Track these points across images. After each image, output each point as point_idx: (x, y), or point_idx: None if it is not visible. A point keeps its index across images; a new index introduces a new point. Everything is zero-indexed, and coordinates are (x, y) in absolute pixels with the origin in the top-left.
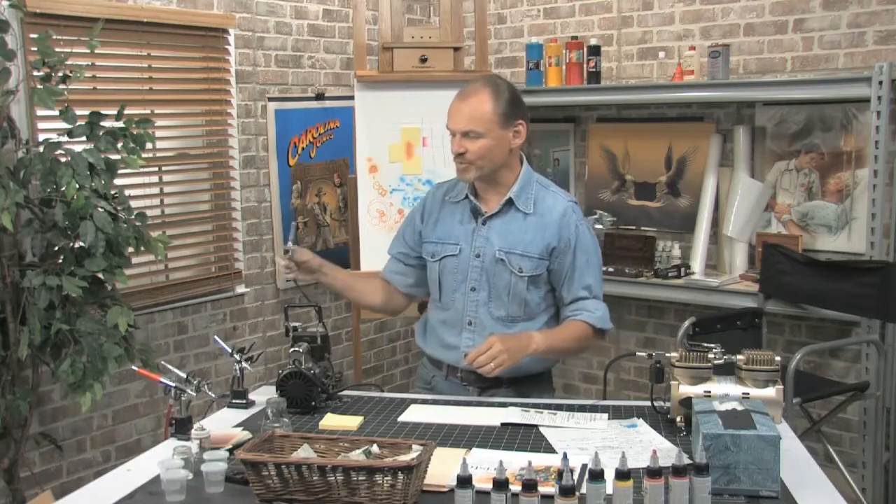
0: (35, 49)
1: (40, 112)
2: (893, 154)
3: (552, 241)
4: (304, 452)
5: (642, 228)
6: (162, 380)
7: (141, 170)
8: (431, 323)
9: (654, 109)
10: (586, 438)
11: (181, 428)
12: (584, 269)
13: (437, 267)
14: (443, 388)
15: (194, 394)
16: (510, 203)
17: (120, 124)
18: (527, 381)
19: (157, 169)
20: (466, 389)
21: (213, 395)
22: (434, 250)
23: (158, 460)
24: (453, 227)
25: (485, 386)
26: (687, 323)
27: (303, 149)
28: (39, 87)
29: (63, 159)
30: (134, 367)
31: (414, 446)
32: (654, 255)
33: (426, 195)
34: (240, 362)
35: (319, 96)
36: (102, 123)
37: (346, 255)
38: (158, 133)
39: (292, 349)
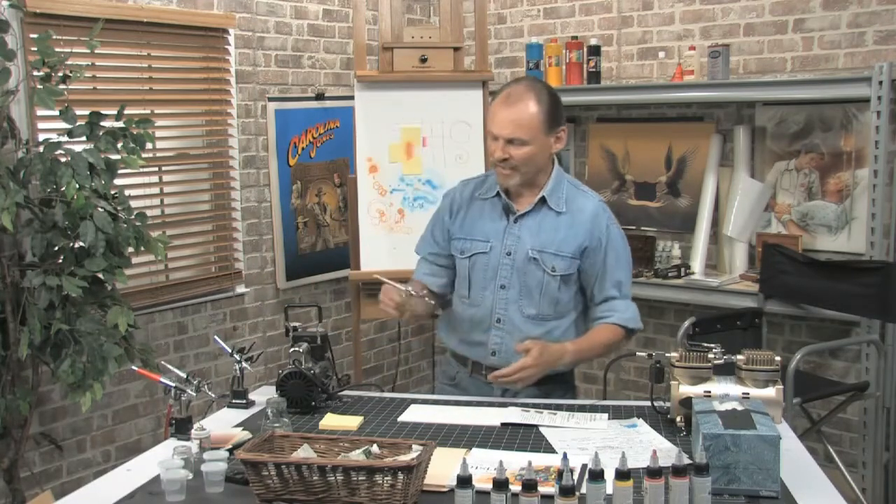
0: (35, 49)
1: (40, 112)
2: (893, 154)
3: (584, 240)
4: (304, 452)
5: (642, 228)
6: (162, 380)
7: (141, 170)
8: (457, 318)
9: (654, 109)
10: (586, 438)
11: (181, 428)
12: (615, 267)
13: (466, 263)
14: (468, 385)
15: (194, 394)
16: (542, 202)
17: (120, 124)
18: (550, 381)
19: (157, 169)
20: (491, 388)
21: (213, 395)
22: (463, 247)
23: (158, 460)
24: (483, 224)
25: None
26: (687, 323)
27: (303, 149)
28: (39, 87)
29: (63, 159)
30: (134, 367)
31: (414, 446)
32: (654, 255)
33: (453, 192)
34: (240, 362)
35: (319, 96)
36: (102, 123)
37: (345, 256)
38: (158, 133)
39: (292, 349)
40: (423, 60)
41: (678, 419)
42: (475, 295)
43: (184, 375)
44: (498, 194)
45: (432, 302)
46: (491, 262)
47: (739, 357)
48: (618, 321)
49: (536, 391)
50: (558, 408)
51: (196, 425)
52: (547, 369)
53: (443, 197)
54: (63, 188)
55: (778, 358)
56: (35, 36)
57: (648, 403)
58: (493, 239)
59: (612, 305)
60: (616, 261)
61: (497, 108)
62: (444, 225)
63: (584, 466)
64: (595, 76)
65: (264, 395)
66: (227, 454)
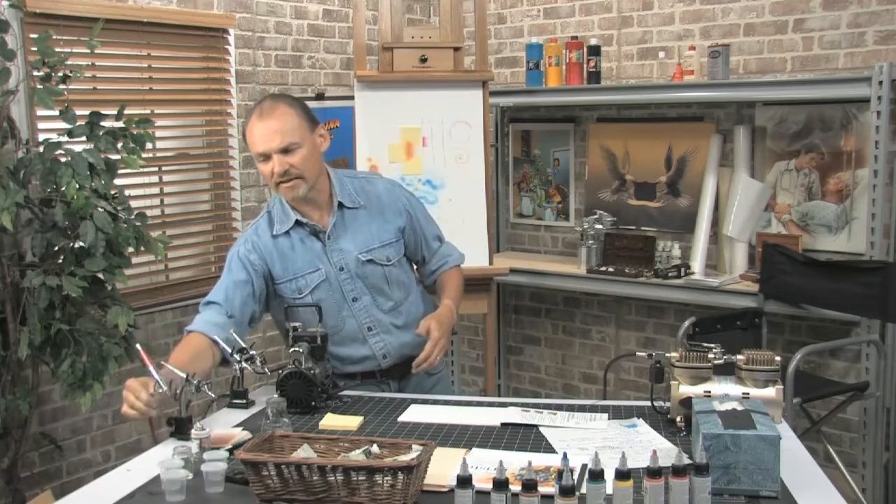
0: (35, 49)
1: (40, 112)
2: (893, 154)
3: (396, 221)
4: (304, 452)
5: (642, 228)
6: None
7: (141, 170)
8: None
9: (654, 109)
10: (586, 438)
11: (181, 428)
12: (427, 225)
13: (310, 299)
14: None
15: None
16: (340, 207)
17: (120, 124)
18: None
19: (157, 169)
20: (386, 384)
21: (213, 395)
22: (298, 285)
23: (158, 460)
24: (303, 256)
25: (403, 373)
26: (687, 323)
27: None
28: (39, 87)
29: (63, 159)
30: (138, 347)
31: (414, 446)
32: (654, 255)
33: (245, 244)
34: (240, 362)
35: (319, 96)
36: (102, 123)
37: None
38: (158, 133)
39: (292, 349)
40: (423, 60)
41: (678, 419)
42: (333, 321)
43: (183, 375)
44: (297, 222)
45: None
46: (332, 284)
47: (739, 357)
48: (454, 262)
49: (424, 373)
50: (558, 408)
51: (196, 425)
52: (450, 329)
53: (234, 249)
54: (63, 188)
55: (778, 358)
56: (35, 36)
57: (648, 403)
58: (320, 264)
59: (441, 253)
60: (426, 219)
61: (255, 127)
62: (255, 268)
63: (584, 466)
64: (595, 76)
65: (264, 395)
66: (227, 454)
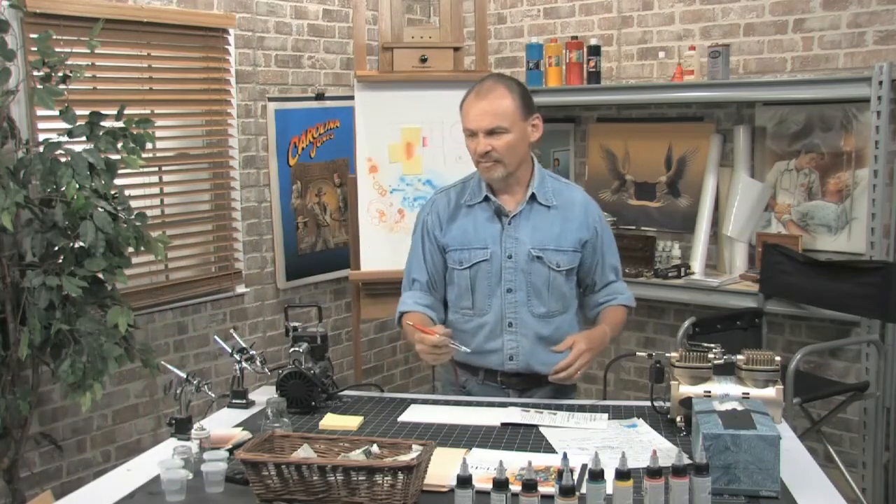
0: (35, 49)
1: (40, 112)
2: (893, 154)
3: (582, 234)
4: (304, 452)
5: (642, 228)
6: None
7: (141, 170)
8: (460, 329)
9: (654, 109)
10: (586, 438)
11: (181, 428)
12: (609, 254)
13: (467, 274)
14: (479, 392)
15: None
16: (532, 198)
17: (120, 124)
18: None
19: (157, 169)
20: (506, 392)
21: (213, 395)
22: (462, 257)
23: (158, 460)
24: (478, 231)
25: (526, 387)
26: (687, 323)
27: (303, 149)
28: (39, 87)
29: (63, 159)
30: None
31: (414, 446)
32: (654, 255)
33: (433, 206)
34: (240, 362)
35: (319, 96)
36: (102, 123)
37: (345, 256)
38: (158, 133)
39: (292, 349)
40: (423, 60)
41: (678, 419)
42: (481, 303)
43: (184, 376)
44: (486, 198)
45: (463, 349)
46: (493, 268)
47: (739, 357)
48: (622, 302)
49: (550, 389)
50: (558, 408)
51: (196, 425)
52: (598, 352)
53: (423, 212)
54: (63, 188)
55: (778, 358)
56: (35, 36)
57: (648, 403)
58: (491, 244)
59: (613, 289)
60: (609, 247)
61: (471, 103)
62: (437, 243)
63: (584, 466)
64: (595, 76)
65: (264, 395)
66: (227, 454)
